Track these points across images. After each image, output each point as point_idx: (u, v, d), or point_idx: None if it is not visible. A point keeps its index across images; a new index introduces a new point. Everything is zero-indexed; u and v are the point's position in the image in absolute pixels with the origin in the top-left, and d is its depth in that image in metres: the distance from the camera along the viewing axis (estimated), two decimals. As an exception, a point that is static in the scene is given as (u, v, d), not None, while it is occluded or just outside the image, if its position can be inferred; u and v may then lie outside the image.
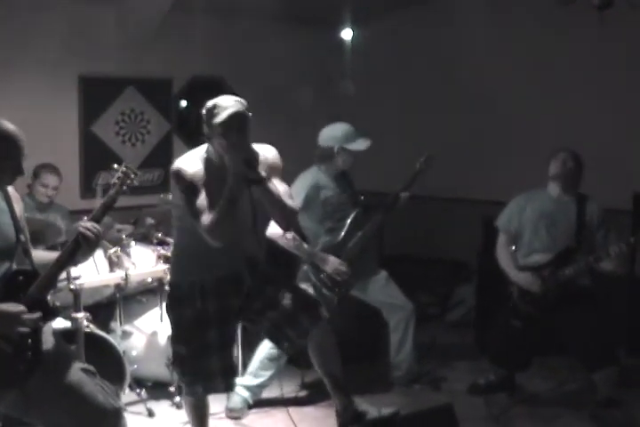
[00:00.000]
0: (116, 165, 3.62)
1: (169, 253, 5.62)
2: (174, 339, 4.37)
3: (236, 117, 3.96)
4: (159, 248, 5.61)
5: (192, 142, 7.72)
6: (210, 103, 4.05)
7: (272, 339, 4.51)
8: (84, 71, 7.02)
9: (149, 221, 5.74)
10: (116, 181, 3.57)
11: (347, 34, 8.33)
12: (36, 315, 3.24)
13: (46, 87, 6.78)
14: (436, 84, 7.81)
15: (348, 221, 5.38)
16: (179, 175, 4.00)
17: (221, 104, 4.00)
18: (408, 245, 7.70)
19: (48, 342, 3.46)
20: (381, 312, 5.64)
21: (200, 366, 4.22)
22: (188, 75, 7.68)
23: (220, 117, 3.95)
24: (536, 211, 5.29)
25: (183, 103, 7.74)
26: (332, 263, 5.26)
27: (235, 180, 3.88)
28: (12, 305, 3.20)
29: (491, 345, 5.72)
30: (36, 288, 3.32)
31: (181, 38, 7.37)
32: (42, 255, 3.62)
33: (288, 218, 4.16)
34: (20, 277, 3.35)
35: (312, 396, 5.57)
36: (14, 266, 3.41)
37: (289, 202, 4.10)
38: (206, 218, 3.89)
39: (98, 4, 6.81)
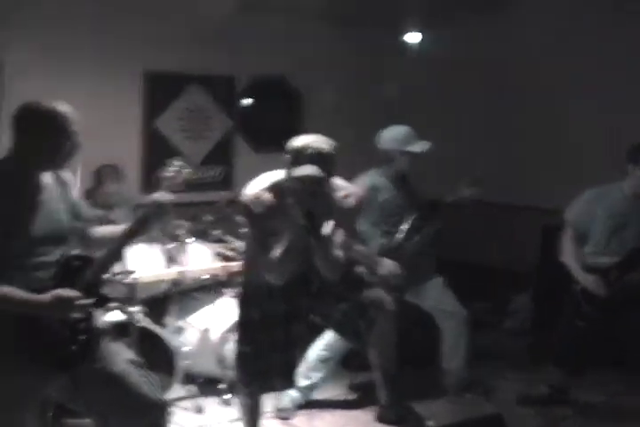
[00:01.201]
0: (170, 160, 3.66)
1: (226, 251, 5.66)
2: (240, 338, 4.37)
3: (310, 181, 3.86)
4: (216, 245, 5.64)
5: (253, 140, 7.82)
6: (299, 143, 3.92)
7: (341, 331, 4.51)
8: (149, 67, 7.05)
9: (208, 218, 5.76)
10: (170, 174, 3.60)
11: (411, 37, 8.28)
12: (90, 301, 3.30)
13: (111, 83, 6.81)
14: (499, 90, 7.74)
15: (406, 225, 5.36)
16: (244, 207, 4.01)
17: (306, 154, 3.86)
18: (466, 251, 7.63)
19: (99, 331, 3.51)
20: (435, 318, 5.61)
21: (261, 366, 4.24)
22: (251, 73, 7.68)
23: (298, 172, 3.85)
24: (607, 210, 5.09)
25: (245, 101, 7.74)
26: (387, 266, 5.24)
27: (295, 230, 3.91)
28: (67, 290, 3.24)
29: (554, 346, 5.55)
30: (92, 271, 3.39)
31: (246, 36, 7.37)
32: (106, 229, 3.69)
33: (332, 272, 4.11)
34: (75, 263, 3.40)
35: (361, 399, 5.56)
36: (70, 251, 3.45)
37: (337, 255, 4.05)
38: (267, 260, 3.95)
39: (164, 1, 6.85)
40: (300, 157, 3.84)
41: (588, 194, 5.26)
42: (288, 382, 4.42)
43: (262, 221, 3.97)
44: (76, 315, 3.28)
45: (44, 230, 3.31)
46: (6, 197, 3.24)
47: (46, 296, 3.19)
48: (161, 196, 3.49)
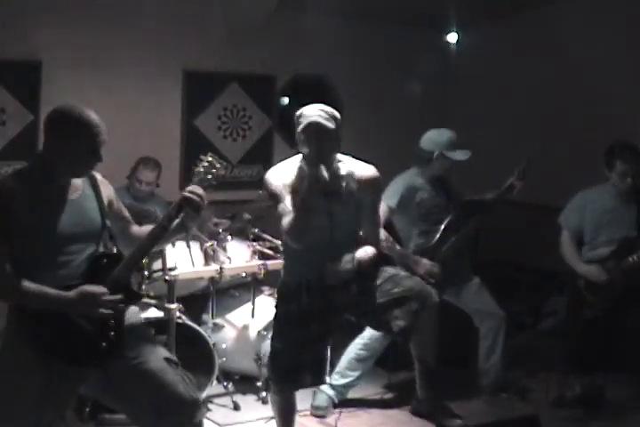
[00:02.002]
0: (201, 156, 3.68)
1: (264, 249, 5.68)
2: (275, 334, 4.39)
3: (312, 128, 4.02)
4: (255, 244, 5.65)
5: (292, 140, 7.82)
6: (298, 111, 4.13)
7: (379, 325, 4.49)
8: (189, 66, 7.10)
9: (246, 216, 5.79)
10: (201, 170, 3.63)
11: (452, 37, 8.28)
12: (117, 297, 3.34)
13: (151, 81, 6.87)
14: (537, 91, 7.70)
15: (443, 225, 5.36)
16: (265, 183, 4.22)
17: (305, 113, 4.09)
18: (504, 251, 7.60)
19: (135, 328, 3.55)
20: (472, 318, 5.60)
21: (292, 362, 4.26)
22: (290, 72, 7.70)
23: (300, 126, 4.05)
24: (598, 208, 5.39)
25: (285, 100, 7.77)
26: (425, 265, 5.24)
27: (306, 189, 3.97)
28: (94, 287, 3.29)
29: (568, 348, 5.67)
30: (121, 268, 3.43)
31: (286, 36, 7.40)
32: (144, 230, 3.70)
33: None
34: (105, 260, 3.45)
35: (397, 399, 5.57)
36: (101, 250, 3.50)
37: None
38: (285, 221, 4.02)
39: (206, 0, 6.89)
40: (301, 118, 4.08)
41: (578, 197, 5.57)
42: (319, 379, 4.41)
43: (278, 191, 4.13)
44: (104, 311, 3.31)
45: (72, 229, 3.36)
46: (34, 196, 3.29)
47: (72, 293, 3.24)
48: (193, 189, 3.52)
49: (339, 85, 7.91)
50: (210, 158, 3.65)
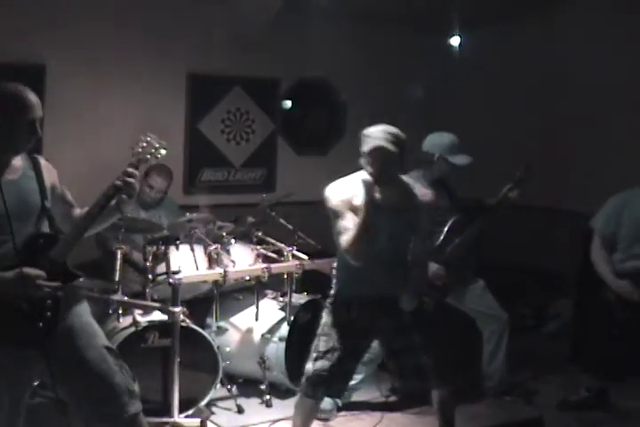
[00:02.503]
0: (141, 136, 3.67)
1: (268, 252, 5.68)
2: (318, 339, 4.41)
3: (378, 151, 4.06)
4: (258, 247, 5.66)
5: (295, 142, 7.85)
6: (366, 130, 4.16)
7: (395, 361, 4.57)
8: (193, 69, 7.12)
9: (250, 219, 5.79)
10: (140, 150, 3.63)
11: (455, 40, 8.29)
12: (54, 284, 3.33)
13: (155, 84, 6.88)
14: (541, 93, 7.71)
15: (446, 227, 5.36)
16: (326, 198, 4.21)
17: (372, 134, 4.12)
18: (507, 255, 7.60)
19: (77, 317, 3.54)
20: (476, 321, 5.60)
21: (328, 369, 4.27)
22: (295, 76, 7.72)
23: (366, 147, 4.09)
24: (635, 214, 5.12)
25: (288, 104, 7.78)
26: (430, 268, 5.24)
27: (367, 206, 4.01)
28: (32, 269, 3.28)
29: (586, 353, 5.54)
30: (57, 251, 3.42)
31: (290, 39, 7.41)
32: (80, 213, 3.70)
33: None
34: (41, 240, 3.44)
35: (401, 402, 5.56)
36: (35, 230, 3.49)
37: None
38: (345, 238, 4.07)
39: (209, 3, 6.90)
40: (367, 138, 4.11)
41: (612, 201, 5.29)
42: (343, 389, 4.56)
43: (339, 208, 4.14)
44: (39, 293, 3.30)
45: (9, 209, 3.31)
46: None
47: (9, 273, 3.24)
48: (126, 173, 3.50)
49: (342, 89, 7.93)
50: (149, 138, 3.66)
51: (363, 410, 5.42)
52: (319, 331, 4.42)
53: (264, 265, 5.42)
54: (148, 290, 5.26)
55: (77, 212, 3.69)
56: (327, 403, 5.26)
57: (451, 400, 4.64)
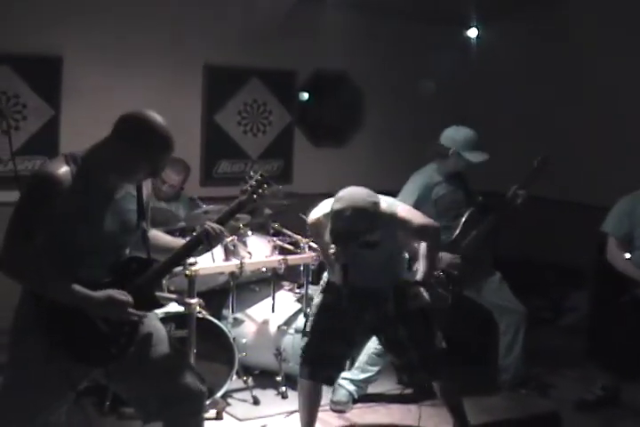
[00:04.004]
0: (252, 173, 3.65)
1: (285, 244, 5.69)
2: (307, 319, 4.58)
3: (339, 236, 4.06)
4: (275, 238, 5.66)
5: (312, 135, 7.84)
6: (336, 202, 4.07)
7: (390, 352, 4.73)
8: (210, 60, 7.10)
9: (267, 211, 5.79)
10: (249, 188, 3.60)
11: (472, 32, 8.26)
12: (141, 313, 3.32)
13: (171, 75, 6.86)
14: (558, 85, 7.68)
15: (463, 219, 5.35)
16: (310, 230, 4.58)
17: (337, 209, 4.02)
18: (523, 247, 7.59)
19: (148, 322, 3.51)
20: (493, 314, 5.59)
21: (314, 348, 4.40)
22: (312, 68, 7.69)
23: (330, 229, 4.08)
24: None
25: (305, 96, 7.76)
26: (446, 259, 5.24)
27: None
28: (121, 293, 3.26)
29: (613, 352, 5.37)
30: (146, 278, 3.41)
31: (308, 31, 7.37)
32: (161, 237, 3.71)
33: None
34: (134, 265, 3.43)
35: (416, 394, 5.55)
36: (129, 252, 3.49)
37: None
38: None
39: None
40: (332, 214, 4.06)
41: (623, 202, 5.31)
42: (330, 376, 4.55)
43: (322, 239, 4.31)
44: (124, 319, 3.30)
45: (111, 229, 3.32)
46: (83, 192, 3.23)
47: (100, 295, 3.21)
48: (210, 228, 3.52)
49: (359, 81, 7.91)
50: (259, 177, 3.62)
51: (378, 402, 5.42)
52: (310, 311, 4.57)
53: (280, 257, 5.43)
54: (164, 282, 5.27)
55: (151, 233, 3.67)
56: (343, 395, 5.28)
57: (451, 391, 4.70)
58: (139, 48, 6.64)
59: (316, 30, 7.38)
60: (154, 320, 3.62)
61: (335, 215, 4.02)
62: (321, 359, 4.41)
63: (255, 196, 3.60)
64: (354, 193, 4.07)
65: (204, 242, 3.50)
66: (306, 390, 4.53)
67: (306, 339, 4.50)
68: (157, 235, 3.70)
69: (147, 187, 3.58)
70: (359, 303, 4.36)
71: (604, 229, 5.34)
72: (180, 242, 3.64)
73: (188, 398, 3.49)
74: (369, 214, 4.01)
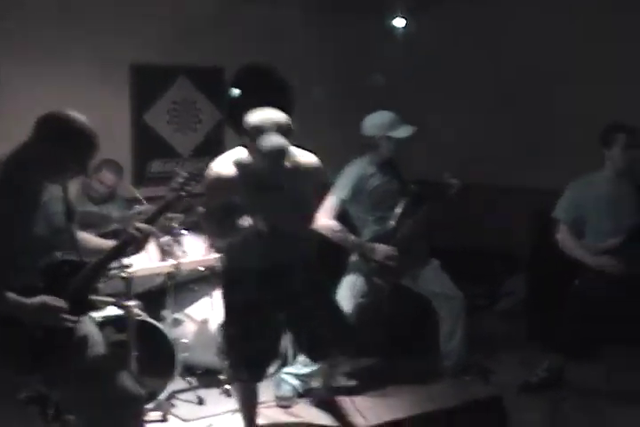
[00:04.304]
0: (178, 170, 3.65)
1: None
2: (224, 321, 4.52)
3: (274, 153, 4.04)
4: (210, 237, 5.63)
5: (243, 131, 7.79)
6: (255, 119, 4.10)
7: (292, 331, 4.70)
8: (136, 60, 7.03)
9: (200, 209, 5.75)
10: (176, 186, 3.59)
11: (398, 22, 8.28)
12: (74, 318, 3.28)
13: (98, 76, 6.78)
14: (486, 73, 7.74)
15: (398, 209, 5.37)
16: (206, 175, 4.23)
17: (265, 127, 4.04)
18: (458, 235, 7.64)
19: (83, 327, 3.49)
20: (432, 302, 5.62)
21: (242, 350, 4.35)
22: (239, 63, 7.66)
23: (261, 147, 4.02)
24: (596, 196, 5.15)
25: (234, 92, 7.73)
26: (382, 251, 5.25)
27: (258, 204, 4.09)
28: (54, 299, 3.22)
29: (562, 334, 5.37)
30: (79, 281, 3.36)
31: (233, 27, 7.35)
32: (90, 240, 3.67)
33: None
34: (66, 268, 3.38)
35: (360, 385, 5.58)
36: (60, 255, 3.44)
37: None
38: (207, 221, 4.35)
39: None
40: (261, 133, 4.03)
41: (572, 186, 5.31)
42: (255, 373, 4.51)
43: (223, 195, 4.17)
44: (58, 325, 3.25)
45: (40, 233, 3.29)
46: (9, 197, 3.19)
47: (34, 301, 3.17)
48: (135, 231, 3.49)
49: (288, 75, 7.90)
50: (186, 175, 3.63)
51: (323, 395, 5.39)
52: (224, 311, 4.51)
53: (217, 255, 5.40)
54: (100, 285, 5.20)
55: (85, 238, 3.63)
56: (287, 390, 5.28)
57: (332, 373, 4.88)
58: (64, 49, 6.54)
59: (240, 26, 7.36)
60: (88, 324, 3.58)
61: (264, 131, 4.03)
62: (250, 359, 4.38)
63: (183, 193, 3.60)
64: (268, 112, 4.17)
65: (130, 245, 3.48)
66: (243, 390, 4.53)
67: (227, 341, 4.48)
68: (86, 237, 3.67)
69: (71, 191, 3.55)
70: (262, 286, 4.30)
71: (555, 216, 5.33)
72: (109, 243, 3.60)
73: (126, 402, 3.46)
74: (289, 127, 4.11)
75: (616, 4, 6.52)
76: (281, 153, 4.03)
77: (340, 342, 4.56)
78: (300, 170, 4.25)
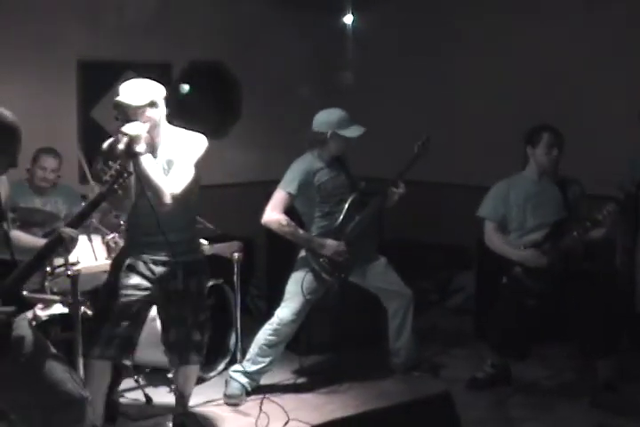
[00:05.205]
0: (111, 163, 3.61)
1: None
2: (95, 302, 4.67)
3: (116, 107, 4.22)
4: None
5: (190, 127, 7.74)
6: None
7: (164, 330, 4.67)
8: (83, 56, 6.96)
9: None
10: (108, 179, 3.56)
11: (349, 19, 8.28)
12: (10, 309, 3.24)
13: (45, 72, 6.73)
14: (435, 70, 7.77)
15: (346, 205, 5.35)
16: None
17: (120, 90, 4.25)
18: (408, 230, 7.67)
19: (20, 329, 3.43)
20: (380, 298, 5.62)
21: (103, 331, 4.35)
22: (187, 59, 7.61)
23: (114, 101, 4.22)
24: (520, 195, 5.27)
25: (182, 88, 7.67)
26: (330, 246, 5.24)
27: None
28: None
29: (495, 334, 5.49)
30: (12, 280, 3.31)
31: (181, 22, 7.33)
32: (22, 238, 3.61)
33: (156, 197, 4.16)
34: None
35: (310, 382, 5.58)
36: None
37: (160, 182, 4.15)
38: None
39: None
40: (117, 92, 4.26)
41: (497, 186, 5.43)
42: (126, 355, 4.50)
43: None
44: None
45: None
46: None
47: None
48: (64, 233, 3.47)
49: (236, 71, 7.86)
50: (118, 167, 3.59)
51: (273, 393, 5.38)
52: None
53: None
54: (46, 283, 5.13)
55: (18, 237, 3.58)
56: (235, 388, 5.25)
57: (191, 380, 4.79)
58: (11, 46, 6.50)
59: (188, 21, 7.33)
60: (25, 325, 3.52)
61: (120, 89, 4.24)
62: (111, 340, 4.35)
63: (116, 186, 3.57)
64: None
65: (60, 244, 3.47)
66: (97, 370, 4.45)
67: (98, 320, 4.47)
68: (19, 235, 3.62)
69: (4, 188, 3.51)
70: (143, 276, 4.38)
71: (479, 214, 5.44)
72: (42, 242, 3.56)
73: (69, 405, 3.42)
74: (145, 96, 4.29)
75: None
76: (122, 110, 4.21)
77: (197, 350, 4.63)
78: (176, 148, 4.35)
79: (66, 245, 3.47)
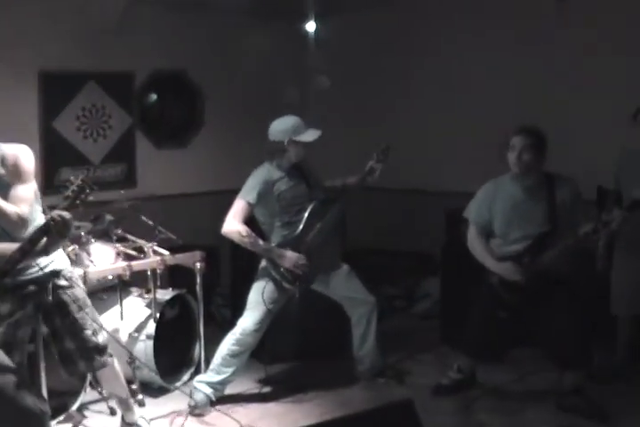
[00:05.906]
0: (72, 178, 3.60)
1: (128, 250, 5.59)
2: None
3: None
4: (118, 245, 5.56)
5: (154, 136, 7.75)
6: None
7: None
8: (44, 66, 6.92)
9: (109, 217, 5.68)
10: (70, 194, 3.55)
11: (311, 27, 8.28)
12: None
13: (6, 83, 6.68)
14: (397, 78, 7.80)
15: (306, 213, 5.34)
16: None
17: None
18: (372, 238, 7.68)
19: None
20: (343, 307, 5.61)
21: None
22: (150, 69, 7.60)
23: None
24: (506, 200, 5.13)
25: (145, 97, 7.66)
26: (290, 258, 5.22)
27: None
28: None
29: (468, 338, 5.42)
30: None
31: (143, 32, 7.31)
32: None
33: (8, 224, 3.94)
34: None
35: (274, 392, 5.56)
36: None
37: (9, 208, 3.94)
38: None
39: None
40: None
41: (484, 188, 5.30)
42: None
43: None
44: None
45: None
46: None
47: None
48: (60, 213, 3.45)
49: (198, 80, 7.87)
50: (80, 182, 3.58)
51: (238, 402, 5.37)
52: None
53: (125, 263, 5.32)
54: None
55: None
56: (200, 399, 5.22)
57: (116, 380, 4.71)
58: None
59: (151, 31, 7.34)
60: None
61: None
62: None
63: (78, 201, 3.56)
64: None
65: (51, 231, 3.50)
66: None
67: None
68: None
69: None
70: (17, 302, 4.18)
71: (465, 216, 5.34)
72: (13, 246, 3.54)
73: (29, 421, 3.39)
74: None
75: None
76: None
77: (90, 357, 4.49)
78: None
79: (58, 227, 3.45)
